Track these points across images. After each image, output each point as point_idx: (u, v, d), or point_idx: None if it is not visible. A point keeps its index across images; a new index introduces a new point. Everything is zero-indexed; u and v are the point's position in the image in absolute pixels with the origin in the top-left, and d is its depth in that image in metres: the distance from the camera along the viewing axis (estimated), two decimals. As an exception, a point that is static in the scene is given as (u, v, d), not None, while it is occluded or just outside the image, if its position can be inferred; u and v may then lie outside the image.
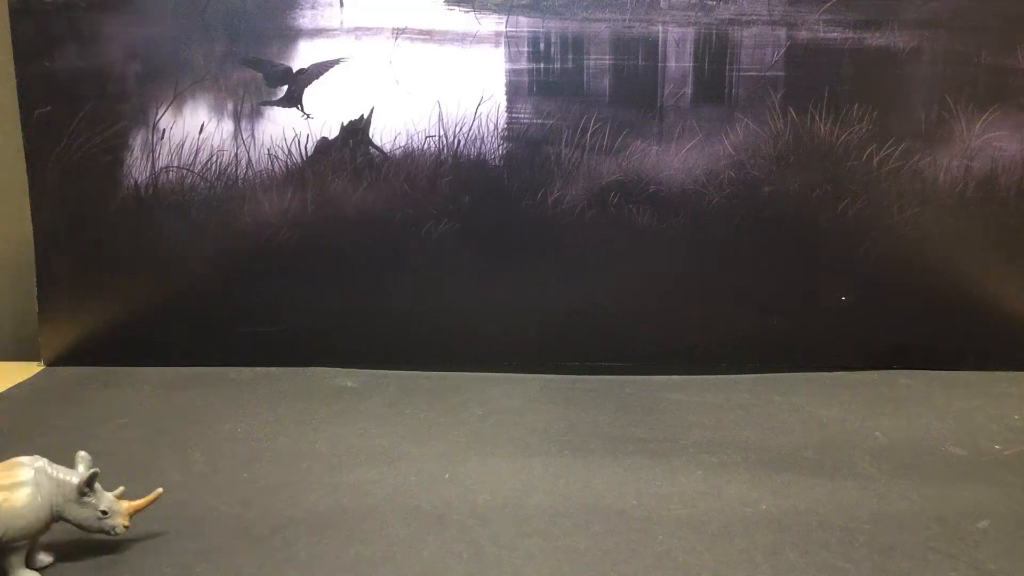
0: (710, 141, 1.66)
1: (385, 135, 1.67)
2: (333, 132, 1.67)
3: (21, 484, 0.96)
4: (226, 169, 1.68)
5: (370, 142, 1.68)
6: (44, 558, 1.02)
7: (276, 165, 1.68)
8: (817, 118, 1.64)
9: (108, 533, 1.01)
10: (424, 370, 1.71)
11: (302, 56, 1.65)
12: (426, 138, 1.67)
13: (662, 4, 1.63)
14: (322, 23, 1.64)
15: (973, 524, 1.13)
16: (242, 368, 1.71)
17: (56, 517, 0.99)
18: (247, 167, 1.68)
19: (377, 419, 1.47)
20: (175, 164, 1.68)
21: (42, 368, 1.74)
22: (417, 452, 1.34)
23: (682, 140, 1.66)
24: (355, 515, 1.14)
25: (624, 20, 1.64)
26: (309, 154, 1.68)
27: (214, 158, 1.68)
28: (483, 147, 1.67)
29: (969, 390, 1.62)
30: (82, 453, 1.02)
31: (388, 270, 1.71)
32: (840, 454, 1.34)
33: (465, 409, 1.52)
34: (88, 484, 0.99)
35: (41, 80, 1.65)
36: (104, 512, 1.00)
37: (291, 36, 1.65)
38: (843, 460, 1.32)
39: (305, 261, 1.71)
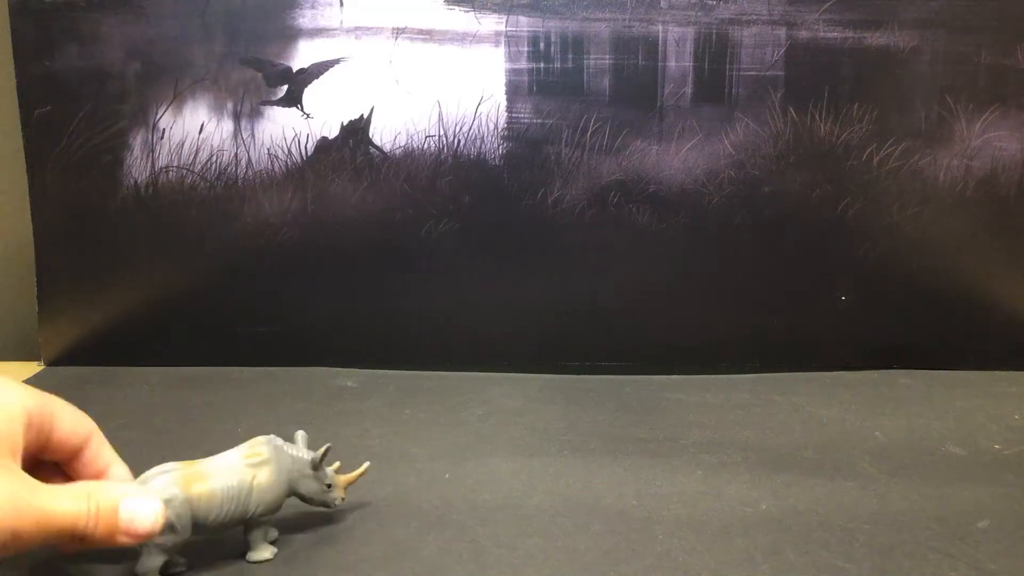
0: (710, 141, 1.66)
1: (385, 135, 1.67)
2: (333, 132, 1.67)
3: (265, 462, 1.01)
4: (226, 169, 1.68)
5: (370, 142, 1.68)
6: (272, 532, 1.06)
7: (276, 165, 1.68)
8: (817, 118, 1.64)
9: (329, 506, 1.07)
10: (424, 370, 1.71)
11: (302, 56, 1.65)
12: (426, 138, 1.67)
13: (662, 4, 1.63)
14: (322, 23, 1.64)
15: (973, 524, 1.13)
16: (242, 368, 1.71)
17: (290, 492, 1.03)
18: (247, 167, 1.68)
19: (377, 419, 1.47)
20: (175, 164, 1.68)
21: (42, 368, 1.74)
22: (417, 452, 1.34)
23: (682, 140, 1.66)
24: (355, 515, 1.14)
25: (624, 20, 1.64)
26: (309, 154, 1.68)
27: (214, 158, 1.68)
28: (483, 147, 1.67)
29: (969, 390, 1.62)
30: (300, 432, 1.06)
31: (388, 270, 1.71)
32: (840, 454, 1.34)
33: (465, 409, 1.52)
34: (321, 459, 1.03)
35: (41, 80, 1.65)
36: (328, 485, 1.05)
37: (291, 36, 1.65)
38: (843, 460, 1.32)
39: (305, 261, 1.71)
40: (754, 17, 1.62)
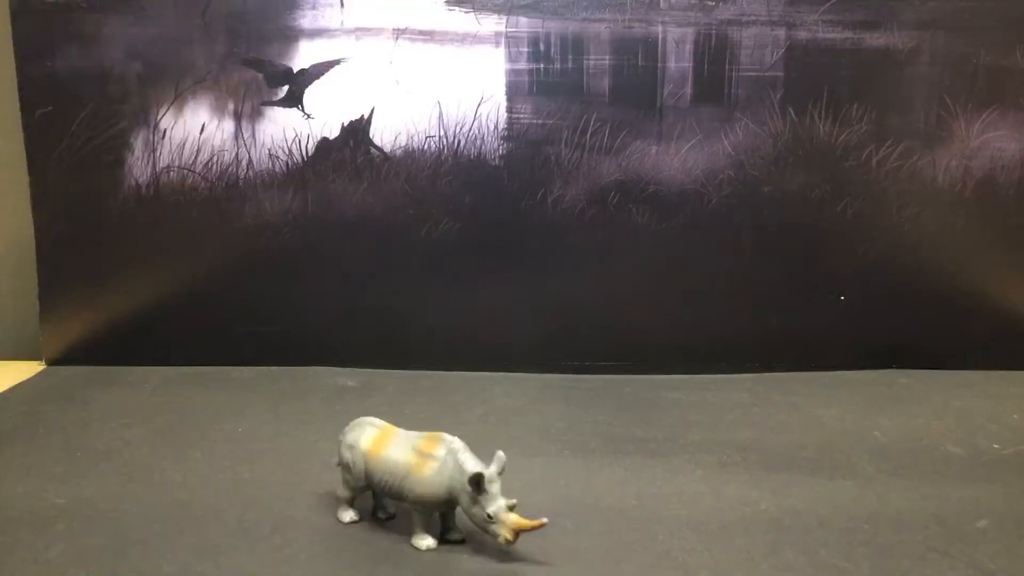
0: (709, 141, 1.66)
1: (386, 135, 1.67)
2: (334, 132, 1.68)
3: (432, 458, 1.04)
4: (227, 169, 1.68)
5: (371, 142, 1.68)
6: (430, 542, 1.07)
7: (277, 165, 1.68)
8: (816, 118, 1.65)
9: (489, 534, 1.02)
10: (424, 370, 1.71)
11: (303, 56, 1.65)
12: (426, 138, 1.67)
13: (662, 5, 1.63)
14: (323, 23, 1.65)
15: (972, 523, 1.13)
16: (242, 368, 1.71)
17: (449, 497, 1.03)
18: (248, 167, 1.68)
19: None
20: (176, 164, 1.69)
21: (43, 367, 1.74)
22: (417, 452, 1.34)
23: (682, 140, 1.66)
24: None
25: (624, 20, 1.64)
26: (310, 154, 1.68)
27: (215, 158, 1.68)
28: (483, 147, 1.67)
29: (968, 390, 1.62)
30: (500, 454, 1.04)
31: (388, 270, 1.71)
32: (839, 454, 1.34)
33: (465, 409, 1.52)
34: (473, 481, 1.00)
35: (42, 80, 1.66)
36: (490, 516, 1.00)
37: (292, 36, 1.65)
38: (842, 460, 1.32)
39: (305, 261, 1.71)
40: (753, 18, 1.63)
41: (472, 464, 1.02)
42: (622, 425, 1.46)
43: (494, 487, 1.00)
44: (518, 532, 1.00)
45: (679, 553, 1.06)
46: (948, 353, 1.72)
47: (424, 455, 1.04)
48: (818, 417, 1.49)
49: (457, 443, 1.04)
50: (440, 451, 1.03)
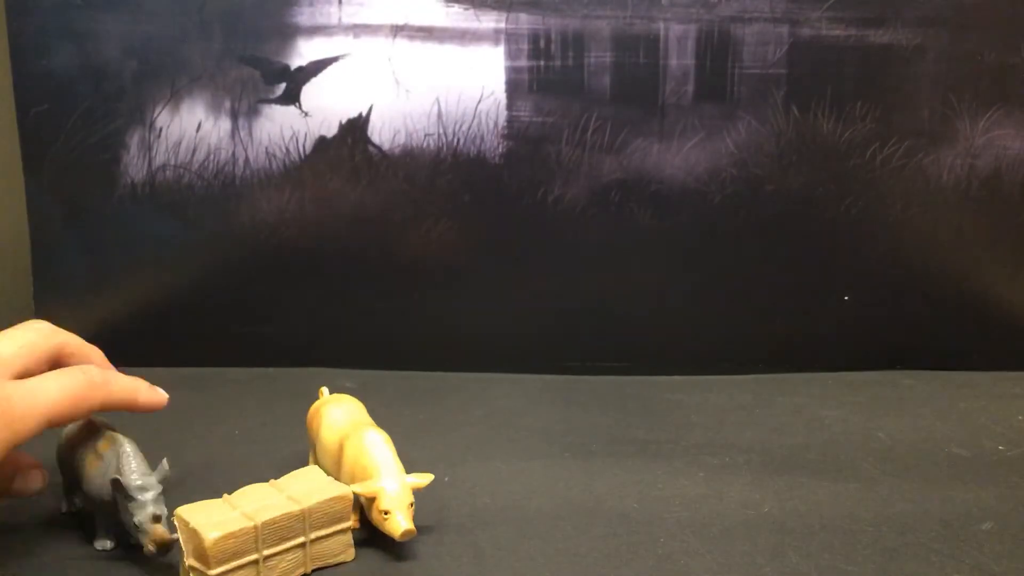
0: (712, 139, 1.65)
1: (384, 133, 1.66)
2: (332, 130, 1.67)
3: (101, 457, 1.03)
4: (224, 167, 1.67)
5: (369, 140, 1.67)
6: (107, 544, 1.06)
7: (274, 164, 1.67)
8: (820, 116, 1.63)
9: (141, 545, 0.99)
10: (423, 370, 1.70)
11: (300, 53, 1.64)
12: (425, 136, 1.66)
13: (663, 1, 1.62)
14: (320, 20, 1.63)
15: (977, 526, 1.12)
16: (239, 369, 1.70)
17: (114, 501, 1.01)
18: (245, 166, 1.67)
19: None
20: (172, 163, 1.68)
21: (39, 368, 1.73)
22: (416, 454, 1.32)
23: (684, 138, 1.65)
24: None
25: (625, 17, 1.63)
26: (307, 152, 1.67)
27: (211, 156, 1.67)
28: (483, 145, 1.66)
29: (973, 391, 1.61)
30: (163, 463, 1.02)
31: (387, 269, 1.70)
32: (843, 455, 1.33)
33: (465, 410, 1.51)
34: (112, 486, 0.99)
35: (37, 78, 1.65)
36: (136, 524, 0.98)
37: (289, 33, 1.64)
38: (846, 461, 1.31)
39: (303, 260, 1.70)
40: (756, 14, 1.61)
41: (127, 470, 0.99)
42: (623, 427, 1.45)
43: (146, 495, 0.98)
44: (161, 544, 0.97)
45: (681, 556, 1.05)
46: (953, 354, 1.71)
47: (98, 454, 1.04)
48: (822, 418, 1.48)
49: (128, 446, 1.02)
50: (109, 452, 1.02)
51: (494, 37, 1.64)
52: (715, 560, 1.04)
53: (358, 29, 1.64)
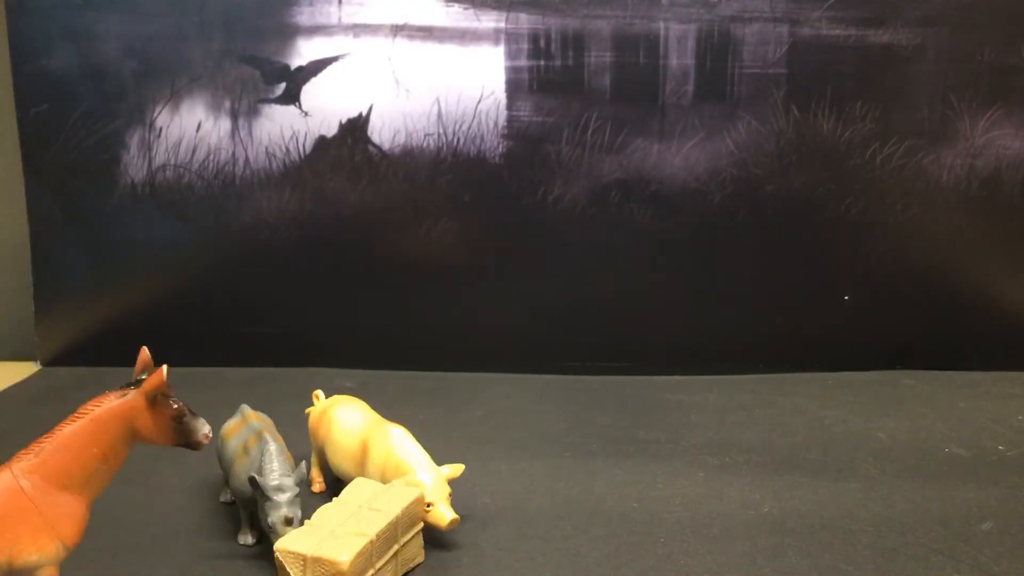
0: (712, 139, 1.64)
1: (384, 133, 1.66)
2: (332, 130, 1.66)
3: (247, 454, 1.06)
4: (223, 167, 1.67)
5: (369, 140, 1.67)
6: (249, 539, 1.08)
7: (274, 163, 1.67)
8: (820, 116, 1.63)
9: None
10: (424, 370, 1.70)
11: (300, 53, 1.64)
12: (425, 136, 1.66)
13: (663, 1, 1.62)
14: (320, 20, 1.63)
15: (976, 525, 1.12)
16: (239, 369, 1.70)
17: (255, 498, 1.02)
18: (245, 165, 1.67)
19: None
20: (172, 162, 1.67)
21: (39, 368, 1.73)
22: (416, 453, 1.33)
23: (684, 138, 1.65)
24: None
25: (625, 17, 1.62)
26: (307, 152, 1.67)
27: (211, 156, 1.67)
28: (483, 145, 1.66)
29: (972, 391, 1.61)
30: (301, 467, 1.03)
31: (387, 269, 1.70)
32: (843, 455, 1.33)
33: (465, 410, 1.51)
34: (249, 483, 1.00)
35: (37, 78, 1.65)
36: (270, 525, 0.99)
37: (289, 33, 1.64)
38: (846, 461, 1.31)
39: (304, 260, 1.70)
40: (756, 14, 1.61)
41: (267, 469, 1.00)
42: (623, 427, 1.45)
43: (281, 496, 0.98)
44: None
45: (681, 556, 1.05)
46: (953, 354, 1.70)
47: (247, 451, 1.05)
48: (822, 419, 1.48)
49: (272, 445, 1.02)
50: (254, 449, 1.04)
51: (494, 37, 1.63)
52: (715, 560, 1.04)
53: (358, 29, 1.64)
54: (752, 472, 1.27)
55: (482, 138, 1.66)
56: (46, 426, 1.42)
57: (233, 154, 1.67)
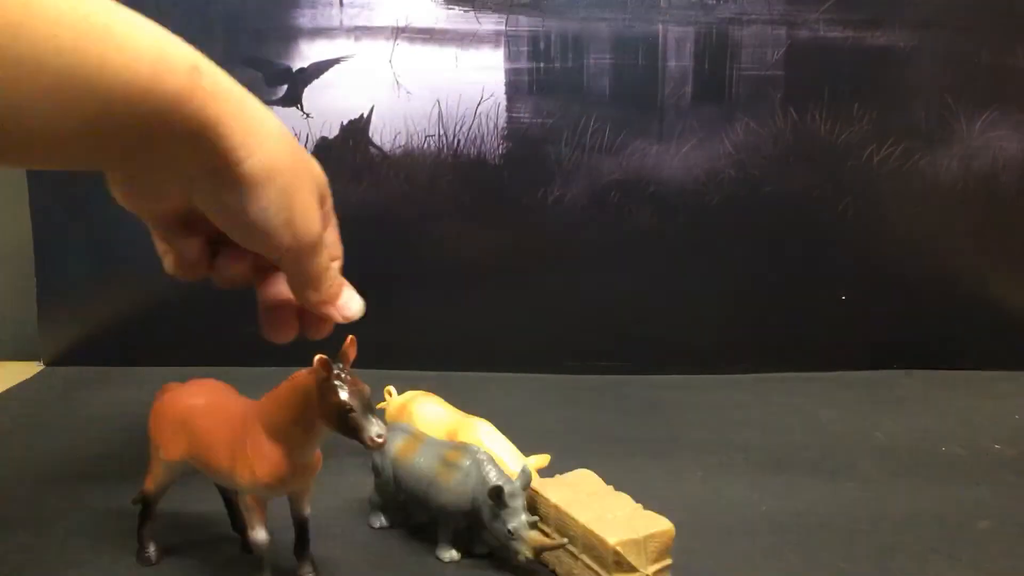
0: (710, 140, 1.65)
1: (385, 134, 1.67)
2: (333, 131, 1.67)
3: (457, 467, 1.01)
4: (226, 169, 1.68)
5: (370, 141, 1.67)
6: (454, 554, 1.04)
7: (276, 165, 1.67)
8: (817, 117, 1.64)
9: (511, 551, 0.98)
10: (424, 370, 1.70)
11: (302, 55, 1.65)
12: (426, 137, 1.67)
13: (662, 3, 1.63)
14: (322, 22, 1.64)
15: (974, 524, 1.12)
16: (242, 368, 1.70)
17: (477, 512, 1.00)
18: (247, 167, 1.67)
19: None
20: (174, 164, 1.68)
21: (42, 368, 1.74)
22: (417, 453, 1.33)
23: (682, 139, 1.65)
24: (354, 517, 1.14)
25: (624, 19, 1.63)
26: (309, 153, 1.67)
27: (214, 158, 1.67)
28: (483, 146, 1.67)
29: (970, 390, 1.62)
30: (525, 467, 1.00)
31: (388, 269, 1.71)
32: (841, 454, 1.34)
33: (465, 409, 1.51)
34: (493, 494, 0.97)
35: (40, 80, 1.65)
36: (511, 532, 0.97)
37: (291, 35, 1.64)
38: (844, 460, 1.32)
39: (305, 261, 1.70)
40: (754, 17, 1.62)
41: (495, 476, 0.99)
42: (622, 426, 1.45)
43: (516, 502, 0.97)
44: (539, 550, 0.97)
45: (680, 555, 1.05)
46: (950, 353, 1.71)
47: (449, 464, 1.02)
48: (819, 418, 1.49)
49: (483, 454, 1.02)
50: (465, 461, 1.01)
51: (494, 39, 1.64)
52: (713, 559, 1.04)
53: (359, 31, 1.64)
54: (750, 471, 1.28)
55: (482, 139, 1.66)
56: (49, 425, 1.43)
57: (235, 155, 1.67)
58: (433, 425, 1.18)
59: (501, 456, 1.08)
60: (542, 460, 1.10)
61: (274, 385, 0.97)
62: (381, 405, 1.26)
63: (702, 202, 1.67)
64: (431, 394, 1.25)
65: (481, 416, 1.22)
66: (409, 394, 1.26)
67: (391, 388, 1.29)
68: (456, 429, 1.15)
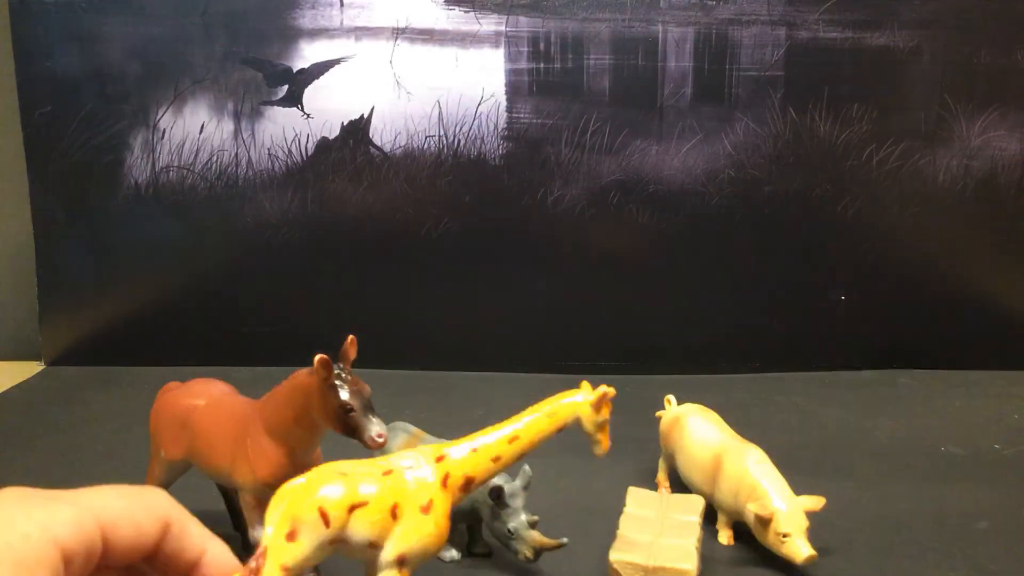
0: (710, 141, 1.66)
1: (385, 135, 1.67)
2: (333, 132, 1.67)
3: None
4: (226, 169, 1.68)
5: (370, 142, 1.68)
6: (454, 554, 1.04)
7: (276, 165, 1.68)
8: (817, 118, 1.64)
9: (514, 553, 0.99)
10: (424, 370, 1.70)
11: (302, 56, 1.65)
12: (426, 138, 1.67)
13: (662, 4, 1.63)
14: (322, 23, 1.64)
15: (973, 524, 1.13)
16: (242, 368, 1.70)
17: (477, 512, 1.00)
18: (247, 167, 1.68)
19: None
20: (175, 164, 1.68)
21: (43, 368, 1.74)
22: (417, 452, 1.33)
23: (682, 140, 1.66)
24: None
25: (624, 20, 1.64)
26: (309, 154, 1.68)
27: (214, 158, 1.68)
28: (483, 147, 1.67)
29: (969, 390, 1.62)
30: (526, 468, 1.01)
31: (388, 270, 1.71)
32: (840, 454, 1.34)
33: (465, 409, 1.52)
34: (493, 494, 0.97)
35: (41, 80, 1.66)
36: (511, 532, 0.97)
37: (291, 36, 1.65)
38: (843, 460, 1.32)
39: (305, 261, 1.71)
40: (754, 17, 1.62)
41: (495, 477, 0.98)
42: (622, 426, 1.44)
43: (516, 501, 0.98)
44: (539, 550, 0.97)
45: (679, 554, 1.05)
46: (949, 353, 1.71)
47: None
48: (818, 417, 1.49)
49: None
50: None
51: (494, 40, 1.65)
52: (712, 558, 1.04)
53: (360, 32, 1.65)
54: (750, 471, 1.28)
55: (482, 140, 1.67)
56: (50, 425, 1.44)
57: (236, 156, 1.68)
58: (699, 443, 1.13)
59: (766, 488, 1.02)
60: (815, 502, 1.01)
61: (274, 385, 0.97)
62: (659, 413, 1.24)
63: (702, 202, 1.67)
64: (710, 411, 1.20)
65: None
66: (687, 407, 1.22)
67: (671, 397, 1.25)
68: (723, 452, 1.09)
